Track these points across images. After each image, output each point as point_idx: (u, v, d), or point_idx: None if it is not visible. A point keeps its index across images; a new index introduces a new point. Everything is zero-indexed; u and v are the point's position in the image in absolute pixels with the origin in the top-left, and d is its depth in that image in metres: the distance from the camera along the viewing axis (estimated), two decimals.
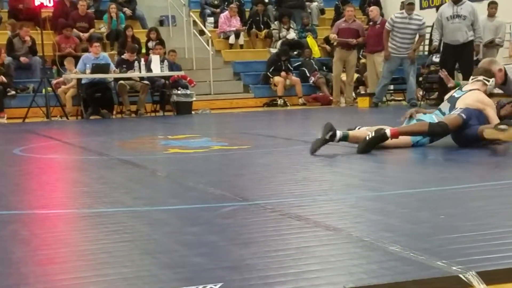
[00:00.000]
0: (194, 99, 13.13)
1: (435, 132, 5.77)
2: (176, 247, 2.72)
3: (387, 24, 12.65)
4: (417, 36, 12.73)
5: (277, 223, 3.12)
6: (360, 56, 15.19)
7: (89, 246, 2.79)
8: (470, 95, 5.90)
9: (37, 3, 12.68)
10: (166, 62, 12.95)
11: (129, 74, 12.61)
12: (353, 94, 14.29)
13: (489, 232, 2.75)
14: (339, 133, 5.63)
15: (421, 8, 16.87)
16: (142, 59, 12.81)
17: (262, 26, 16.91)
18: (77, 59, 13.20)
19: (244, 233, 2.95)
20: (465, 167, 5.04)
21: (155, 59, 12.75)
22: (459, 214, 3.18)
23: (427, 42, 14.91)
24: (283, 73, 14.79)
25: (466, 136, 5.74)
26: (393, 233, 2.78)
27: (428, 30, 13.34)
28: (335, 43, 14.19)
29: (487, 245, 2.53)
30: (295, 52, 16.19)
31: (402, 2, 13.56)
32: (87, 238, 2.97)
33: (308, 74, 15.47)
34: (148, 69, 12.68)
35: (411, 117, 6.11)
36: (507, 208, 3.30)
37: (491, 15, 13.11)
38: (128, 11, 16.33)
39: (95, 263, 2.54)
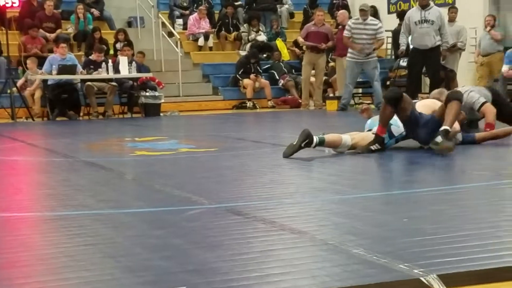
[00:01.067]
0: (162, 101, 13.06)
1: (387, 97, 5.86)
2: (139, 250, 2.71)
3: (345, 31, 12.73)
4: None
5: (242, 226, 3.12)
6: (329, 59, 15.26)
7: (51, 250, 2.76)
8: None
9: (2, 2, 12.51)
10: (134, 64, 12.88)
11: (96, 76, 12.51)
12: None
13: (450, 235, 2.78)
14: (315, 139, 5.63)
15: (389, 12, 17.01)
16: (110, 60, 12.72)
17: (231, 29, 16.91)
18: (43, 59, 13.06)
19: (209, 236, 2.94)
20: (429, 171, 5.09)
21: (123, 60, 12.66)
22: (421, 217, 3.20)
23: (391, 47, 15.06)
24: (252, 76, 14.80)
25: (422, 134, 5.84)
26: (357, 236, 2.80)
27: (387, 34, 13.48)
28: (304, 47, 14.24)
29: (448, 248, 2.56)
30: (264, 55, 16.21)
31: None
32: (49, 241, 2.94)
33: (277, 77, 15.49)
34: (116, 70, 12.58)
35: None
36: (468, 211, 3.34)
37: (452, 19, 13.25)
38: (95, 12, 16.20)
39: (57, 267, 2.51)
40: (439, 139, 5.52)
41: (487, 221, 3.06)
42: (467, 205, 3.49)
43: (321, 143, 5.67)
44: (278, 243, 2.78)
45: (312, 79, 14.09)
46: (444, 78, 13.01)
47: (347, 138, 5.82)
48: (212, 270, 2.40)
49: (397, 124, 5.89)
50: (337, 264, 2.44)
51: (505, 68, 12.76)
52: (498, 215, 3.22)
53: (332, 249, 2.63)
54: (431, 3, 12.29)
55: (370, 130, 6.07)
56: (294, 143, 5.65)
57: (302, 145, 5.59)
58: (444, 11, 13.35)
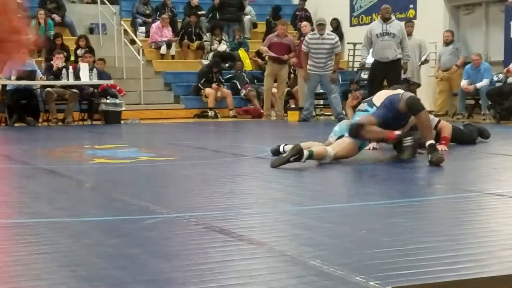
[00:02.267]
0: (123, 108, 12.96)
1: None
2: (95, 259, 2.67)
3: (303, 46, 12.80)
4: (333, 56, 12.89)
5: (200, 236, 3.10)
6: (291, 70, 15.33)
7: (5, 258, 2.71)
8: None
9: None
10: (95, 71, 12.77)
11: (56, 82, 12.37)
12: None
13: (406, 248, 2.80)
14: (305, 154, 5.63)
15: (351, 25, 17.16)
16: (71, 67, 12.59)
17: (194, 38, 16.87)
18: None
19: (166, 246, 2.92)
20: (388, 183, 5.13)
21: (83, 67, 12.54)
22: (379, 229, 3.22)
23: (357, 58, 15.16)
24: (214, 85, 14.78)
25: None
26: (315, 248, 2.80)
27: (349, 46, 13.57)
28: (267, 57, 14.27)
29: (404, 261, 2.57)
30: (226, 65, 16.21)
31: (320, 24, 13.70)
32: (3, 249, 2.89)
33: (239, 87, 15.50)
34: (77, 77, 12.46)
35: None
36: (425, 224, 3.37)
37: (409, 33, 13.37)
38: (57, 17, 16.04)
39: (10, 276, 2.46)
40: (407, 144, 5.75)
41: (444, 234, 3.09)
42: (424, 218, 3.52)
43: (310, 156, 5.69)
44: (236, 254, 2.76)
45: (274, 89, 14.13)
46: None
47: (330, 149, 5.88)
48: (168, 281, 2.38)
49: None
50: (294, 275, 2.44)
51: (463, 82, 12.96)
52: (454, 228, 3.25)
53: (289, 261, 2.63)
54: (393, 17, 12.44)
55: (340, 136, 6.10)
56: (284, 156, 5.69)
57: (291, 159, 5.60)
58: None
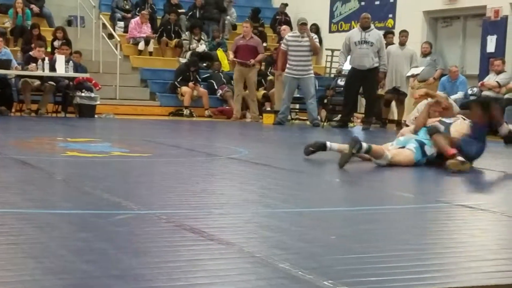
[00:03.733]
0: (98, 102, 12.89)
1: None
2: (63, 252, 2.65)
3: (282, 44, 12.80)
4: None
5: (171, 234, 3.09)
6: (268, 73, 15.35)
7: None
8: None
9: None
10: (71, 63, 12.68)
11: (31, 72, 12.26)
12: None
13: (375, 255, 2.81)
14: (364, 146, 6.02)
15: (330, 31, 17.24)
16: (47, 58, 12.48)
17: (173, 35, 16.83)
18: None
19: (136, 242, 2.91)
20: (361, 190, 5.16)
21: (60, 58, 12.45)
22: (349, 235, 3.24)
23: (335, 65, 15.23)
24: (191, 84, 14.76)
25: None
26: (285, 251, 2.81)
27: (327, 53, 13.63)
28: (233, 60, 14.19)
29: (373, 268, 2.59)
30: (204, 64, 16.19)
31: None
32: None
33: (216, 87, 15.49)
34: (52, 68, 12.36)
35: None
36: (395, 232, 3.39)
37: (389, 43, 13.42)
38: (35, 8, 15.92)
39: None
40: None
41: (412, 243, 3.12)
42: (394, 226, 3.55)
43: (369, 150, 6.08)
44: (205, 253, 2.76)
45: (246, 92, 14.13)
46: (386, 101, 13.27)
47: (388, 152, 6.21)
48: (136, 277, 2.37)
49: (430, 144, 6.30)
50: (262, 277, 2.44)
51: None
52: (423, 238, 3.28)
53: (259, 262, 2.63)
54: (372, 26, 12.52)
55: (402, 147, 6.36)
56: (346, 153, 5.94)
57: (354, 151, 5.95)
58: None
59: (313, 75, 12.96)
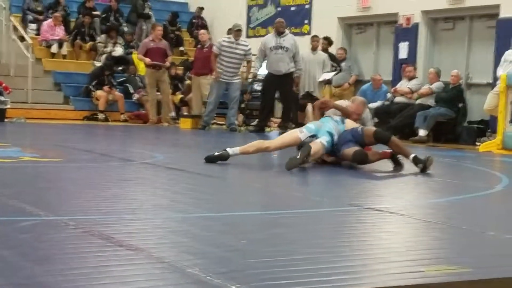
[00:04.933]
0: (8, 106, 12.53)
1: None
2: None
3: (214, 47, 12.79)
4: (245, 63, 12.94)
5: (78, 241, 3.02)
6: (186, 77, 15.28)
7: None
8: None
9: None
10: None
11: None
12: (173, 114, 14.33)
13: (286, 258, 2.81)
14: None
15: (247, 36, 17.29)
16: None
17: (87, 38, 16.54)
18: None
19: (41, 249, 2.82)
20: (273, 194, 5.17)
21: None
22: (260, 239, 3.23)
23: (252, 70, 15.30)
24: (106, 88, 14.54)
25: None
26: (194, 256, 2.78)
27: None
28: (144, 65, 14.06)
29: (282, 271, 2.59)
30: (119, 68, 15.97)
31: (230, 29, 13.78)
32: None
33: (132, 91, 15.31)
34: None
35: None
36: (308, 236, 3.41)
37: (314, 48, 13.60)
38: None
39: None
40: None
41: (322, 246, 3.14)
42: (305, 230, 3.56)
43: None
44: (113, 259, 2.70)
45: (160, 96, 14.02)
46: (302, 106, 13.41)
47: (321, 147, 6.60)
48: (39, 285, 2.29)
49: (332, 133, 6.72)
50: (171, 283, 2.41)
51: None
52: (333, 241, 3.30)
53: (167, 268, 2.59)
54: (287, 31, 12.63)
55: (313, 135, 6.67)
56: (297, 157, 6.09)
57: (306, 158, 6.21)
58: (300, 40, 13.74)
59: (240, 80, 12.99)
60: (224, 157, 6.40)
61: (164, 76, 13.87)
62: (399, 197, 5.36)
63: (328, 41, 14.33)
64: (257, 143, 6.69)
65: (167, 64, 13.79)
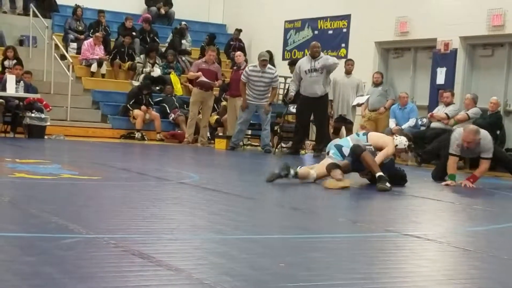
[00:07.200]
0: (48, 123, 12.72)
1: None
2: (8, 276, 2.60)
3: (242, 76, 12.89)
4: (271, 89, 13.02)
5: (119, 259, 3.06)
6: (222, 98, 15.37)
7: None
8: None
9: None
10: (22, 83, 12.51)
11: None
12: (208, 135, 14.41)
13: (322, 283, 2.83)
14: (292, 172, 6.81)
15: (283, 59, 17.37)
16: None
17: (126, 58, 16.76)
18: None
19: (82, 266, 2.87)
20: (310, 218, 5.18)
21: (10, 78, 12.28)
22: (297, 263, 3.24)
23: (282, 92, 15.35)
24: (143, 107, 14.69)
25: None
26: (233, 278, 2.80)
27: (280, 80, 13.80)
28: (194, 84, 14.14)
29: None
30: (157, 88, 16.14)
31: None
32: None
33: (168, 111, 15.45)
34: (3, 88, 12.18)
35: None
36: (342, 261, 3.41)
37: (348, 72, 13.61)
38: None
39: None
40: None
41: (359, 272, 3.14)
42: (342, 255, 3.57)
43: (296, 175, 6.83)
44: (154, 279, 2.74)
45: (199, 117, 14.11)
46: (335, 129, 13.43)
47: (313, 172, 7.04)
48: None
49: (348, 145, 7.17)
50: None
51: (391, 122, 13.25)
52: (370, 267, 3.30)
53: None
54: (322, 54, 12.65)
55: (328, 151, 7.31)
56: (276, 172, 6.74)
57: (282, 174, 6.73)
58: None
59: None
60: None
61: (210, 100, 13.93)
62: (437, 224, 5.32)
63: None
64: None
65: (217, 83, 13.88)
